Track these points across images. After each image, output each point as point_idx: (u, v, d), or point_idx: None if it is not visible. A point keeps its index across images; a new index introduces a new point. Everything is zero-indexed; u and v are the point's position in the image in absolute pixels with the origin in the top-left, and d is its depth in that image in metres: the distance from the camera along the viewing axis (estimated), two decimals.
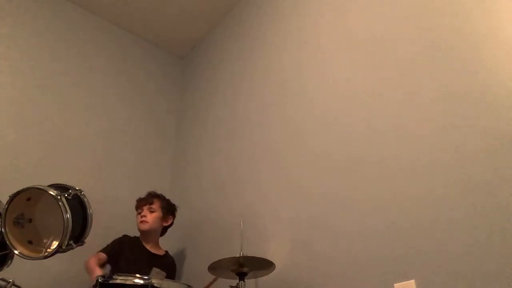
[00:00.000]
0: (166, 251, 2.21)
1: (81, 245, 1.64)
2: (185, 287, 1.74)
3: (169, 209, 2.23)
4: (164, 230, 2.22)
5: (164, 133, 3.03)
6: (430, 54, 1.51)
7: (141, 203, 2.19)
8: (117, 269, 1.97)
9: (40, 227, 1.60)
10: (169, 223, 2.22)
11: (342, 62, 1.89)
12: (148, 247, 2.13)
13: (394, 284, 1.33)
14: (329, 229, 1.63)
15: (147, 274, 1.89)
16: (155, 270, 1.99)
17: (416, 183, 1.39)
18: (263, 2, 2.65)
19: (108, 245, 2.07)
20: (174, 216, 2.25)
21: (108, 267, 1.99)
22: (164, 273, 2.01)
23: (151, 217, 2.14)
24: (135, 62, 3.09)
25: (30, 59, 2.53)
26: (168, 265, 2.12)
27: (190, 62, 3.33)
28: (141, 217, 2.14)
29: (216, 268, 1.58)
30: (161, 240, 2.23)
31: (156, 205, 2.18)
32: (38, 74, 2.53)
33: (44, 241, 1.57)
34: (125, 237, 2.15)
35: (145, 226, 2.12)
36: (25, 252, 1.52)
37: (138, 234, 2.18)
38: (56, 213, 1.50)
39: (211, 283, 1.81)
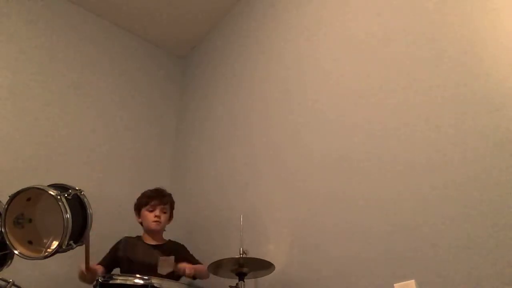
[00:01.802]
0: (169, 240, 2.19)
1: (81, 245, 1.63)
2: (185, 287, 1.75)
3: (173, 209, 2.24)
4: None
5: (164, 133, 3.03)
6: (430, 54, 1.51)
7: (155, 202, 2.16)
8: (125, 270, 1.96)
9: (40, 227, 1.60)
10: (170, 222, 2.23)
11: (342, 62, 1.89)
12: (151, 242, 2.12)
13: (394, 284, 1.32)
14: (329, 229, 1.63)
15: (155, 267, 1.88)
16: (161, 259, 1.97)
17: (416, 183, 1.39)
18: (263, 2, 2.65)
19: (105, 255, 2.05)
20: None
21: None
22: (172, 257, 1.97)
23: (164, 218, 2.15)
24: (135, 62, 3.09)
25: (30, 59, 2.53)
26: (173, 248, 2.08)
27: (190, 62, 3.33)
28: (155, 217, 2.13)
29: (216, 267, 1.58)
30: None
31: (168, 206, 2.19)
32: (38, 74, 2.53)
33: (44, 241, 1.57)
34: (124, 239, 2.14)
35: (158, 227, 2.12)
36: (25, 252, 1.51)
37: (138, 232, 2.17)
38: (56, 213, 1.49)
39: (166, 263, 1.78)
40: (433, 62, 1.49)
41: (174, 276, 1.89)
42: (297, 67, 2.16)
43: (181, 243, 2.19)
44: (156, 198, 2.17)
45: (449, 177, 1.31)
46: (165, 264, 1.93)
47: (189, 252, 2.15)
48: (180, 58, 3.40)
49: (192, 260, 2.06)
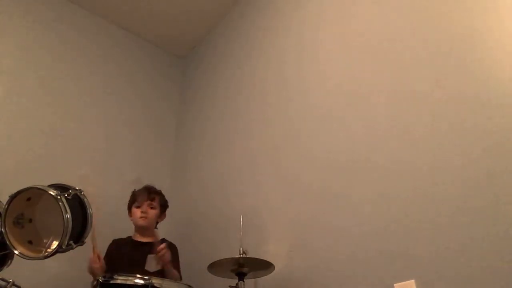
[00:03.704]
0: (163, 238, 2.18)
1: (81, 245, 1.64)
2: (185, 287, 1.75)
3: (165, 207, 2.24)
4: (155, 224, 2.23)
5: (164, 133, 3.02)
6: (431, 54, 1.51)
7: (141, 198, 2.17)
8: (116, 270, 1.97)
9: (40, 227, 1.60)
10: (162, 219, 2.23)
11: (342, 61, 1.89)
12: (142, 240, 2.12)
13: (394, 284, 1.33)
14: (329, 229, 1.63)
15: (144, 264, 1.90)
16: (149, 257, 1.98)
17: (416, 183, 1.39)
18: (263, 2, 2.65)
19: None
20: (165, 213, 2.26)
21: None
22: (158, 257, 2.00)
23: (151, 214, 2.14)
24: (135, 62, 3.09)
25: (29, 59, 2.53)
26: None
27: (190, 62, 3.33)
28: (142, 213, 2.13)
29: (215, 267, 1.58)
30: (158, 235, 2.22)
31: (156, 202, 2.18)
32: (38, 74, 2.53)
33: (44, 241, 1.57)
34: (114, 240, 2.15)
35: (144, 223, 2.11)
36: (25, 252, 1.51)
37: (132, 232, 2.18)
38: (56, 213, 1.49)
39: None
40: (434, 62, 1.49)
41: (162, 273, 1.90)
42: (298, 67, 2.16)
43: (174, 244, 2.17)
44: (143, 194, 2.18)
45: (450, 177, 1.31)
46: (153, 262, 1.95)
47: (178, 255, 2.13)
48: (180, 58, 3.40)
49: (176, 265, 2.05)
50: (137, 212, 2.15)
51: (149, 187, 2.23)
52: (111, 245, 2.13)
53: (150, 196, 2.18)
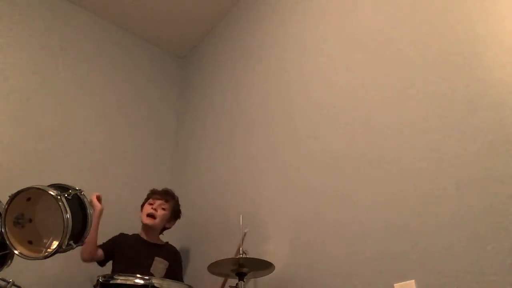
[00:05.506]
0: (167, 242, 2.20)
1: (81, 245, 1.64)
2: (186, 287, 1.75)
3: (176, 214, 2.23)
4: (162, 229, 2.22)
5: (164, 133, 3.02)
6: (431, 54, 1.51)
7: (156, 196, 2.18)
8: (118, 263, 1.97)
9: (40, 227, 1.60)
10: (170, 226, 2.23)
11: (342, 61, 1.89)
12: (148, 239, 2.13)
13: (394, 284, 1.33)
14: (329, 229, 1.63)
15: (149, 265, 1.91)
16: (157, 260, 1.98)
17: (416, 183, 1.39)
18: (263, 2, 2.65)
19: (104, 243, 2.06)
20: (175, 222, 2.26)
21: None
22: (166, 262, 2.00)
23: (160, 214, 2.13)
24: (135, 62, 3.08)
25: (30, 59, 2.53)
26: (171, 254, 2.11)
27: (190, 62, 3.33)
28: (152, 209, 2.13)
29: (216, 268, 1.58)
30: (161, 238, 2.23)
31: (169, 205, 2.18)
32: (38, 74, 2.53)
33: (44, 241, 1.57)
34: (123, 234, 2.15)
35: (151, 222, 2.11)
36: (25, 252, 1.52)
37: (136, 231, 2.18)
38: (56, 213, 1.49)
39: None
40: (434, 62, 1.49)
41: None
42: (298, 67, 2.16)
43: (179, 252, 2.19)
44: (159, 194, 2.19)
45: (449, 177, 1.31)
46: (160, 266, 1.95)
47: (181, 265, 2.16)
48: (180, 58, 3.40)
49: (179, 274, 2.09)
50: (146, 208, 2.15)
51: (168, 190, 2.24)
52: (118, 236, 2.13)
53: (165, 197, 2.18)
